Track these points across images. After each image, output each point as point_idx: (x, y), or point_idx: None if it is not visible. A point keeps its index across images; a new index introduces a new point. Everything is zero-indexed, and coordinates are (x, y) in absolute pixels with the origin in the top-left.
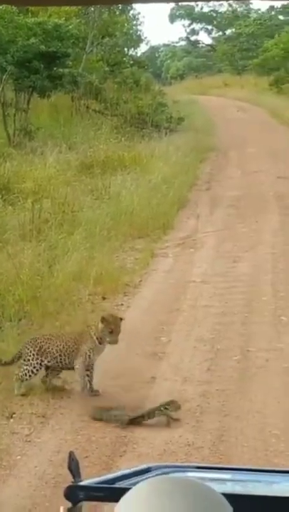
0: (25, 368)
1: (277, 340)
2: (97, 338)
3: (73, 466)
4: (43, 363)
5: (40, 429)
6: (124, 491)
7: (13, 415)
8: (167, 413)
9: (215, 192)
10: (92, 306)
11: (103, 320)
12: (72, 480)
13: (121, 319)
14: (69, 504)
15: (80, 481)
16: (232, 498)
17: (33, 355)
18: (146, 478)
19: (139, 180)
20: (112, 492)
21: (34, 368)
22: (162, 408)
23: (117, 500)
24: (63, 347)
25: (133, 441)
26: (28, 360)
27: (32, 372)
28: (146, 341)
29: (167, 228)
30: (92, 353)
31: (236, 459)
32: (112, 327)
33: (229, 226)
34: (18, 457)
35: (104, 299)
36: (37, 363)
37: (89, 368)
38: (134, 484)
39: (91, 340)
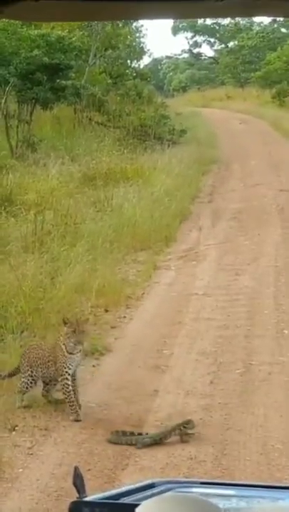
0: (22, 379)
1: (280, 353)
2: (66, 348)
3: (78, 482)
4: (33, 374)
5: (43, 442)
6: (128, 506)
7: (16, 428)
8: (185, 432)
9: (217, 204)
10: (94, 318)
11: (65, 321)
12: (77, 495)
13: (86, 320)
14: None
15: (85, 496)
16: None
17: (25, 366)
18: (151, 494)
19: (141, 193)
20: (117, 508)
21: (29, 379)
22: (181, 428)
23: None
24: (45, 358)
25: (135, 455)
26: (24, 371)
27: (28, 384)
28: (149, 354)
29: (170, 241)
30: (67, 366)
31: (239, 473)
32: (74, 327)
33: (231, 239)
34: (20, 470)
35: (106, 311)
36: (29, 375)
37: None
38: (139, 500)
39: (61, 353)
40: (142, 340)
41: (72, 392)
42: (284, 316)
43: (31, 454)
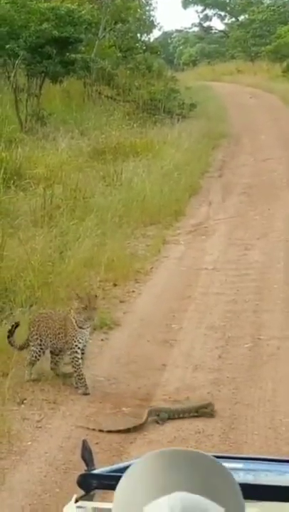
0: (32, 348)
1: (288, 328)
2: (76, 322)
3: (86, 455)
4: (43, 343)
5: (51, 416)
6: None
7: (24, 401)
8: (204, 414)
9: (227, 179)
10: (103, 292)
11: (77, 297)
12: (86, 468)
13: (96, 296)
14: (82, 492)
15: (94, 469)
16: (244, 487)
17: (34, 334)
18: None
19: (151, 167)
20: None
21: (38, 347)
22: (199, 410)
23: None
24: (55, 329)
25: (143, 428)
26: (33, 340)
27: (37, 353)
28: (158, 328)
29: (179, 215)
30: (77, 340)
31: (246, 447)
32: (85, 303)
33: (241, 213)
34: (29, 443)
35: (115, 285)
36: (38, 344)
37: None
38: None
39: (72, 326)
40: (150, 315)
41: (81, 366)
42: None
43: (40, 427)
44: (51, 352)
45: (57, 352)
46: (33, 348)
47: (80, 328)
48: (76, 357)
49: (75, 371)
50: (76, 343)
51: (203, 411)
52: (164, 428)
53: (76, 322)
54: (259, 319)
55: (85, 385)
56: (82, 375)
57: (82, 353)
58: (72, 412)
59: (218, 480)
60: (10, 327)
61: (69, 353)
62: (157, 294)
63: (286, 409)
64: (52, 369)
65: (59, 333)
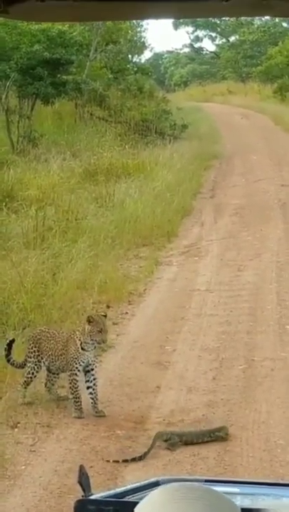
0: (28, 365)
1: (282, 349)
2: (81, 344)
3: (83, 480)
4: (40, 361)
5: (45, 439)
6: (133, 504)
7: (18, 425)
8: (217, 438)
9: (219, 200)
10: None
11: (90, 320)
12: (83, 494)
13: (105, 316)
14: None
15: (91, 494)
16: None
17: (34, 351)
18: None
19: (143, 188)
20: (122, 506)
21: (36, 364)
22: (212, 434)
23: None
24: (56, 347)
25: (138, 452)
26: (31, 357)
27: (34, 370)
28: (151, 350)
29: (171, 236)
30: (78, 362)
31: (242, 470)
32: (100, 326)
33: (234, 234)
34: (23, 467)
35: (108, 307)
36: (37, 361)
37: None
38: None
39: (75, 348)
40: (144, 337)
41: (79, 389)
42: (286, 311)
43: (34, 450)
44: (49, 370)
45: (55, 371)
46: (30, 364)
47: (84, 350)
48: (75, 379)
49: (72, 393)
50: (77, 366)
51: (217, 435)
52: (159, 451)
53: (81, 344)
54: (253, 340)
55: (80, 408)
56: (78, 398)
57: (93, 375)
58: (66, 436)
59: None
60: (5, 346)
61: (69, 374)
62: (150, 316)
63: (281, 431)
64: (47, 387)
65: (61, 354)
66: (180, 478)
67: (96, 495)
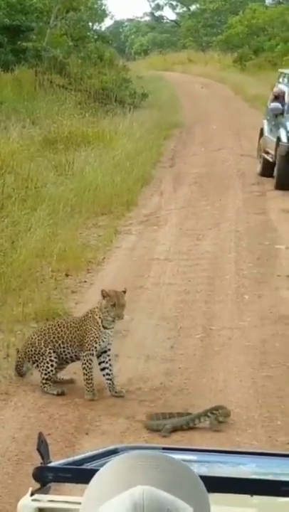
0: (42, 365)
1: (240, 318)
2: (102, 323)
3: (42, 448)
4: (54, 357)
5: (3, 407)
6: (92, 472)
7: None
8: (215, 418)
9: (179, 169)
10: (55, 282)
11: (104, 294)
12: (41, 461)
13: (124, 292)
14: (37, 485)
15: (49, 462)
16: None
17: (43, 350)
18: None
19: (102, 157)
20: (81, 473)
21: (49, 363)
22: (209, 414)
23: (85, 481)
24: (67, 336)
25: (96, 420)
26: (43, 356)
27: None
28: None
29: (131, 205)
30: (98, 341)
31: (198, 437)
32: (114, 300)
33: (193, 203)
34: None
35: (67, 275)
36: (48, 360)
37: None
38: (103, 465)
39: (96, 327)
40: None
41: (92, 370)
42: (245, 281)
43: None
44: (61, 358)
45: (68, 360)
46: (42, 364)
47: (105, 328)
48: (90, 359)
49: (85, 374)
50: (96, 345)
51: (212, 416)
52: (117, 419)
53: (102, 322)
54: (210, 309)
55: (93, 390)
56: (91, 379)
57: (108, 356)
58: (24, 403)
59: (186, 481)
60: None
61: (84, 354)
62: (109, 285)
63: (237, 399)
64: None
65: (72, 340)
66: (138, 446)
67: (55, 462)
